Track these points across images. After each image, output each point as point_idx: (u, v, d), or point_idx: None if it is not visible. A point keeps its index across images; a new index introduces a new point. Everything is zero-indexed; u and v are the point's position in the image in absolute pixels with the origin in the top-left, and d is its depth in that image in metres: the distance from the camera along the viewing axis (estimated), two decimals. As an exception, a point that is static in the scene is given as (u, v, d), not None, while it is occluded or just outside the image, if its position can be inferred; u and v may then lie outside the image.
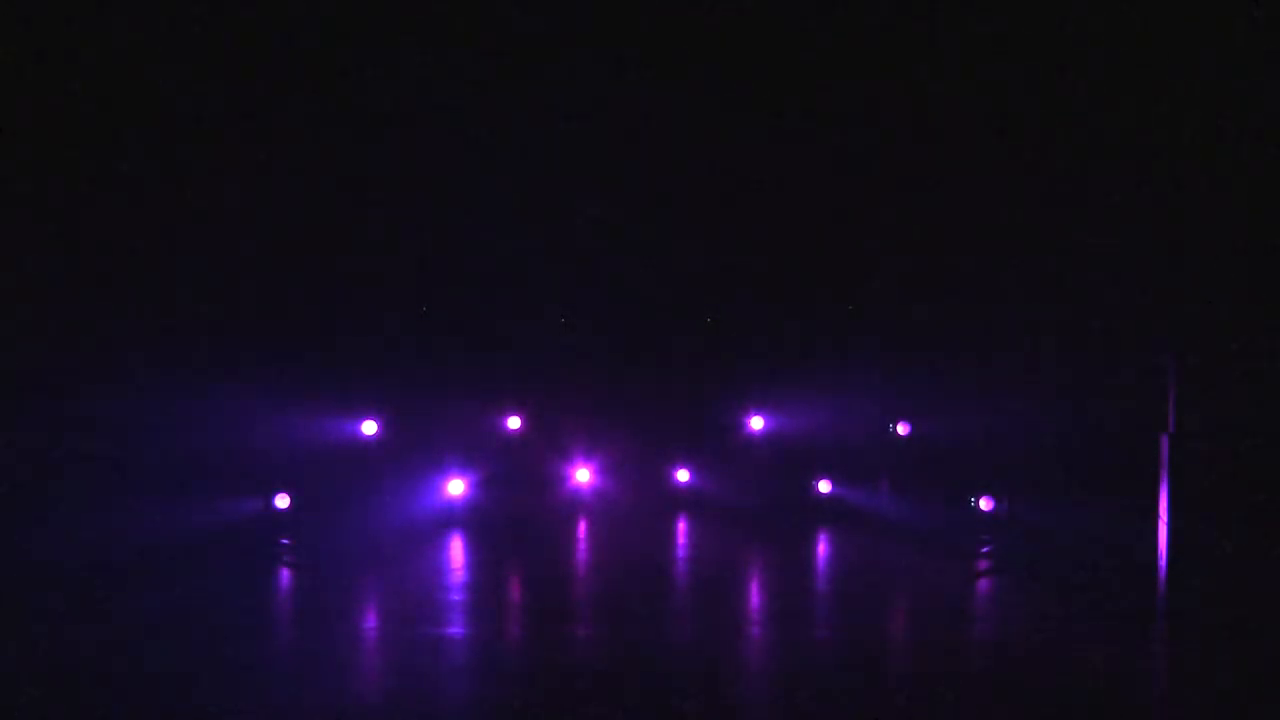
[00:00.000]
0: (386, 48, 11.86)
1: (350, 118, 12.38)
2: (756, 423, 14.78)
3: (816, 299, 14.24)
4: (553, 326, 14.55)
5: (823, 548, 13.36)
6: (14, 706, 7.60)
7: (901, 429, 13.97)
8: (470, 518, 14.15)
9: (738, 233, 13.79)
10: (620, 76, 12.28)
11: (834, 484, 14.51)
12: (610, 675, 8.35)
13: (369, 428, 13.91)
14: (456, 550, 12.97)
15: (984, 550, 12.02)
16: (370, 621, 10.25)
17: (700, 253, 13.99)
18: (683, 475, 14.94)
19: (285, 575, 11.63)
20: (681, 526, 14.23)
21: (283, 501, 12.51)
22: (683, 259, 14.03)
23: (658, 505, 14.78)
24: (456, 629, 9.70)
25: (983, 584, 11.29)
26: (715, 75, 12.21)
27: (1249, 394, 9.64)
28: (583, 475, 14.77)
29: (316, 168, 12.58)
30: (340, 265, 13.43)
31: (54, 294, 11.57)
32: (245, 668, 8.45)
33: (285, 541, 12.34)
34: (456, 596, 10.91)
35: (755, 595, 11.48)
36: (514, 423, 14.77)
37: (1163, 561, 9.75)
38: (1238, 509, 9.53)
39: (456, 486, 14.17)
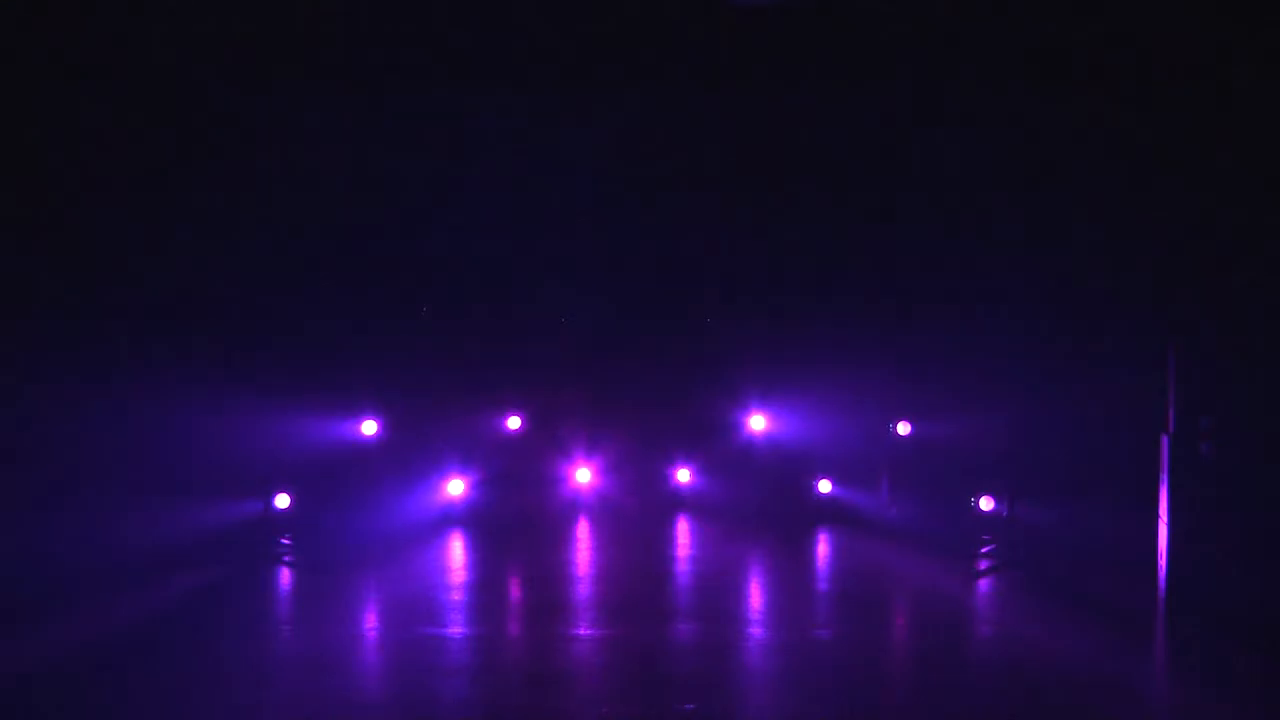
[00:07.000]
0: (386, 45, 11.85)
1: (350, 117, 12.37)
2: (757, 423, 14.78)
3: (817, 299, 14.22)
4: (553, 326, 14.54)
5: (823, 548, 13.35)
6: (14, 706, 7.60)
7: (901, 429, 13.96)
8: (470, 518, 14.16)
9: (738, 233, 13.77)
10: (618, 76, 12.27)
11: (834, 484, 14.51)
12: (611, 675, 8.35)
13: (369, 428, 13.91)
14: (456, 550, 12.97)
15: (984, 550, 12.01)
16: (370, 621, 10.26)
17: (701, 253, 13.98)
18: (683, 475, 14.94)
19: (285, 575, 11.64)
20: (682, 526, 14.23)
21: (283, 501, 12.51)
22: (684, 259, 14.02)
23: (658, 505, 14.78)
24: (456, 629, 9.69)
25: (983, 584, 11.28)
26: (715, 75, 12.20)
27: (1249, 394, 9.62)
28: (583, 475, 14.77)
29: (316, 167, 12.57)
30: (340, 265, 13.42)
31: (54, 295, 11.57)
32: (245, 668, 8.46)
33: (285, 541, 12.35)
34: (456, 596, 10.91)
35: (755, 595, 11.47)
36: (514, 423, 14.77)
37: (1163, 561, 9.74)
38: (1238, 509, 9.52)
39: (456, 486, 14.18)
